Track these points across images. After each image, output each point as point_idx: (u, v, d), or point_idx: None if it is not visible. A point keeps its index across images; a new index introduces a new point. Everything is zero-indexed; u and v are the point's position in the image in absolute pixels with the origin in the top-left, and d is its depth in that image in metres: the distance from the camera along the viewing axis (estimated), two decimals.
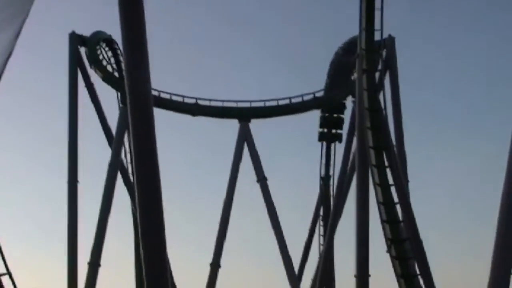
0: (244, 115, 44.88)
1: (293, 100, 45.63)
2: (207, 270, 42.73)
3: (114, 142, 42.12)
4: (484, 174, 69.94)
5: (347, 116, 45.49)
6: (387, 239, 33.52)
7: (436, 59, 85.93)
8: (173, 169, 60.13)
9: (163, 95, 43.09)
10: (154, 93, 36.69)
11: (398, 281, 33.03)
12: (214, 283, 43.01)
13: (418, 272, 33.19)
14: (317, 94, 46.52)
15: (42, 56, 73.91)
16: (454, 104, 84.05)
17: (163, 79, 48.62)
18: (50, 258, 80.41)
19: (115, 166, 40.91)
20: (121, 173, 41.99)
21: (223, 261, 43.41)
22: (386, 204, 33.56)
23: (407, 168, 38.20)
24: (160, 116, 34.32)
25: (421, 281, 32.98)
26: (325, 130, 49.00)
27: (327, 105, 47.78)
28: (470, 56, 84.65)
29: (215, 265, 43.07)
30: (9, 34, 10.49)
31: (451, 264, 65.93)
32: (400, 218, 33.56)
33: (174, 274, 41.06)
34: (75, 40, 41.03)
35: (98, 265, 38.33)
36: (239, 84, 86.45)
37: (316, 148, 49.49)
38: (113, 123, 43.13)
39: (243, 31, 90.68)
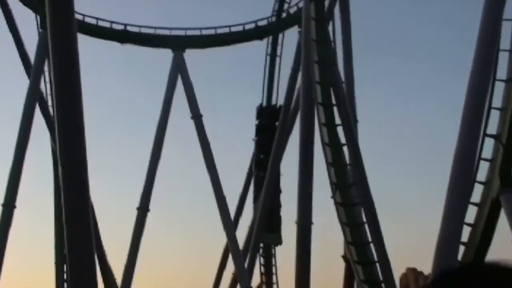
0: (178, 44, 43.43)
1: (233, 29, 44.29)
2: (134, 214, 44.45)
3: (33, 70, 40.12)
4: (440, 116, 70.71)
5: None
6: (332, 184, 32.39)
7: None
8: (98, 102, 57.14)
9: (88, 20, 40.92)
10: (78, 16, 34.93)
11: (342, 229, 31.90)
12: (142, 228, 41.07)
13: (364, 220, 32.11)
14: (260, 23, 45.08)
15: None
16: (413, 37, 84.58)
17: (88, 1, 46.70)
18: None
19: (33, 97, 38.70)
20: (39, 105, 39.33)
21: (152, 204, 43.83)
22: (332, 146, 32.69)
23: (356, 107, 37.30)
24: (84, 42, 32.21)
25: (368, 230, 32.03)
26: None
27: (271, 34, 46.12)
28: None
29: (143, 209, 41.45)
30: None
31: (400, 211, 66.97)
32: (347, 161, 32.51)
33: (100, 218, 39.77)
34: None
35: (14, 206, 36.63)
36: (173, 9, 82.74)
37: (258, 83, 48.75)
38: (31, 49, 41.79)
39: None
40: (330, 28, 35.00)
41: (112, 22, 42.33)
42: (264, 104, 47.87)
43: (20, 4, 41.25)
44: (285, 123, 42.36)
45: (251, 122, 49.68)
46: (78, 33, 17.27)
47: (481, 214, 25.71)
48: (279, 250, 47.20)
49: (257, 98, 48.70)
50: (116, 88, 70.89)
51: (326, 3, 35.96)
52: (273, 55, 47.30)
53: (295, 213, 33.30)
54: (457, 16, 73.16)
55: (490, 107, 25.10)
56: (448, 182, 22.24)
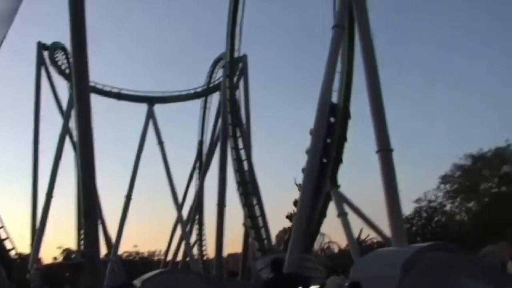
0: (151, 100, 54.52)
1: (183, 93, 55.55)
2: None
3: (65, 113, 49.99)
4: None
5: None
6: (236, 181, 40.62)
7: (276, 69, 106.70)
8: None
9: (97, 86, 51.08)
10: (91, 83, 37.18)
11: (243, 209, 40.00)
12: (127, 210, 51.65)
13: (255, 203, 40.71)
14: (197, 90, 56.27)
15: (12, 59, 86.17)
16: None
17: (96, 73, 56.90)
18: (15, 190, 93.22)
19: (65, 130, 48.88)
20: (69, 136, 49.84)
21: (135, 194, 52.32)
22: (237, 160, 40.87)
23: (251, 136, 45.91)
24: (95, 99, 39.24)
25: (257, 209, 40.52)
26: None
27: (204, 96, 57.40)
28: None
29: (128, 198, 51.90)
30: None
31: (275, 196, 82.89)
32: (246, 169, 41.10)
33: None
34: (40, 46, 52.31)
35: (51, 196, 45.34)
36: (149, 78, 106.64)
37: (195, 125, 59.53)
38: (64, 101, 51.45)
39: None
40: (237, 93, 44.20)
41: (111, 86, 53.41)
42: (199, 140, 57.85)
43: (59, 75, 51.97)
44: (211, 148, 51.23)
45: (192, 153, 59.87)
46: (91, 93, 20.14)
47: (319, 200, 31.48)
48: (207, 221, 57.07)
49: (194, 134, 59.95)
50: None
51: (235, 79, 44.99)
52: (205, 108, 57.92)
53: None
54: None
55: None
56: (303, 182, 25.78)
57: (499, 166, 41.53)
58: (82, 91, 16.56)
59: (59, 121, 50.91)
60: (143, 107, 54.38)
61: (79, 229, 52.24)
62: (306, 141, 25.88)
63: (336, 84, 28.37)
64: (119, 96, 53.63)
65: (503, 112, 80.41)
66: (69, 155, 50.28)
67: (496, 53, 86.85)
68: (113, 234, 53.92)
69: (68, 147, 50.19)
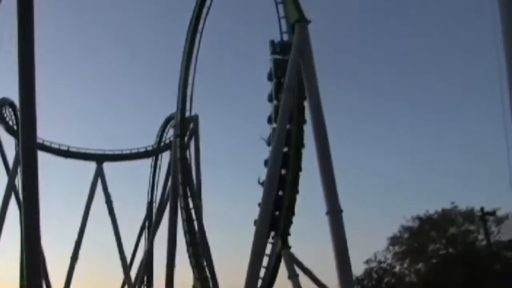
0: (100, 158, 54.29)
1: (133, 151, 55.30)
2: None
3: (11, 170, 49.47)
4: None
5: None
6: (186, 242, 40.56)
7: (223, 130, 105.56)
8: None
9: (45, 143, 51.04)
10: (39, 140, 42.60)
11: (192, 270, 39.94)
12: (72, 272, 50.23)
13: (205, 264, 40.44)
14: (148, 148, 56.21)
15: None
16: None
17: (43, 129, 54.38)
18: None
19: (10, 188, 48.23)
20: (13, 193, 48.63)
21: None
22: (187, 220, 40.79)
23: (202, 195, 45.57)
24: (42, 156, 40.09)
25: (207, 271, 40.32)
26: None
27: (154, 154, 57.11)
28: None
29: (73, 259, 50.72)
30: None
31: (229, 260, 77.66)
32: (196, 229, 41.01)
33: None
34: None
35: None
36: (98, 135, 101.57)
37: (145, 183, 58.87)
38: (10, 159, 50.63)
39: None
40: (187, 152, 44.20)
41: (59, 144, 52.67)
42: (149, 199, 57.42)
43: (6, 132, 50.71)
44: (160, 207, 50.71)
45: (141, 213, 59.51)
46: (38, 150, 17.34)
47: (270, 261, 31.74)
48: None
49: (144, 193, 58.76)
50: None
51: (186, 138, 45.05)
52: (155, 167, 57.66)
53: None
54: None
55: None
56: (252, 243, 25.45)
57: (446, 227, 42.22)
58: (29, 148, 15.46)
59: (4, 179, 50.04)
60: (91, 165, 53.91)
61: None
62: (258, 197, 25.88)
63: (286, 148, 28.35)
64: (67, 153, 53.30)
65: (448, 174, 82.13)
66: (13, 214, 48.42)
67: (443, 118, 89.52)
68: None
69: (12, 205, 48.83)
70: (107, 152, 54.38)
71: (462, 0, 74.19)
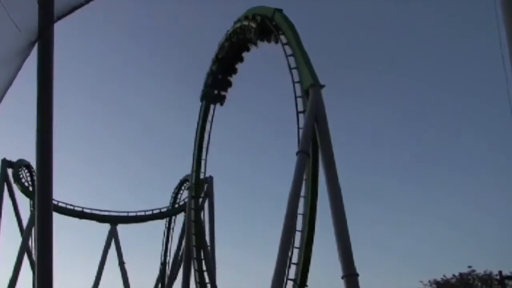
0: (114, 220, 54.62)
1: (147, 213, 55.64)
2: None
3: (25, 231, 49.87)
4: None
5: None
6: None
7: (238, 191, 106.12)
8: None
9: (60, 204, 51.47)
10: (54, 201, 37.70)
11: None
12: None
13: None
14: (162, 210, 56.49)
15: None
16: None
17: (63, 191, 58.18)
18: None
19: (23, 248, 48.58)
20: (26, 254, 49.11)
21: None
22: (200, 283, 40.66)
23: (216, 259, 45.19)
24: (57, 218, 38.85)
25: None
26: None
27: (168, 216, 57.24)
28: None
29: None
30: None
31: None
32: None
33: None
34: (5, 163, 51.93)
35: None
36: (112, 197, 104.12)
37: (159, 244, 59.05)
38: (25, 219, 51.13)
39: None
40: (201, 214, 43.77)
41: (73, 205, 53.07)
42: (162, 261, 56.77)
43: (21, 193, 52.01)
44: (173, 269, 50.51)
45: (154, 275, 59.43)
46: (54, 212, 16.68)
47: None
48: None
49: (157, 255, 58.96)
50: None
51: (200, 200, 44.74)
52: (169, 229, 57.08)
53: None
54: None
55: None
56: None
57: None
58: (44, 209, 15.39)
59: (18, 239, 50.45)
60: (105, 227, 54.18)
61: None
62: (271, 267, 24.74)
63: (300, 209, 27.85)
64: (81, 215, 53.54)
65: (464, 237, 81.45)
66: (26, 275, 48.86)
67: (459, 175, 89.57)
68: None
69: (26, 266, 49.17)
70: (121, 214, 54.63)
71: None
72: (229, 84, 40.61)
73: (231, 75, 40.22)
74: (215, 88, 40.91)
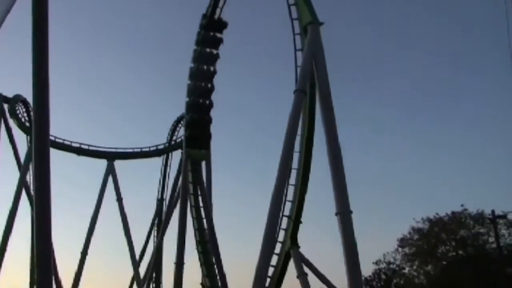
0: (111, 156, 54.72)
1: (143, 150, 55.77)
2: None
3: (22, 166, 50.12)
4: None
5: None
6: (196, 240, 40.56)
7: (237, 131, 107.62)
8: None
9: (57, 140, 51.36)
10: (51, 137, 42.17)
11: (201, 267, 40.20)
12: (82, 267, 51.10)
13: (214, 261, 40.35)
14: (159, 147, 56.26)
15: None
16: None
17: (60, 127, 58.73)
18: None
19: (21, 184, 48.58)
20: (24, 189, 49.16)
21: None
22: (197, 218, 41.06)
23: (212, 194, 44.31)
24: (54, 154, 39.43)
25: (216, 268, 40.33)
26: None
27: (164, 153, 57.28)
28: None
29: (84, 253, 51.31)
30: None
31: (237, 258, 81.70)
32: (205, 227, 40.95)
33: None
34: (1, 99, 51.17)
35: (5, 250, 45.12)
36: (109, 133, 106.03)
37: (155, 181, 58.73)
38: (22, 155, 50.96)
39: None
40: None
41: (71, 141, 53.13)
42: (159, 197, 57.31)
43: (18, 128, 51.49)
44: (170, 205, 49.89)
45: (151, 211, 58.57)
46: (51, 147, 17.07)
47: (279, 260, 32.18)
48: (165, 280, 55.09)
49: (154, 191, 58.91)
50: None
51: None
52: (165, 165, 57.62)
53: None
54: None
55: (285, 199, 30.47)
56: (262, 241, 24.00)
57: (456, 230, 42.56)
58: (41, 144, 14.65)
59: (15, 175, 50.53)
60: (102, 163, 54.39)
61: (31, 285, 50.98)
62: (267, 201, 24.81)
63: (297, 147, 28.67)
64: (78, 151, 53.75)
65: (459, 176, 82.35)
66: (25, 210, 49.40)
67: (456, 122, 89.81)
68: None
69: (24, 201, 49.39)
70: (118, 150, 54.88)
71: None
72: None
73: None
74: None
